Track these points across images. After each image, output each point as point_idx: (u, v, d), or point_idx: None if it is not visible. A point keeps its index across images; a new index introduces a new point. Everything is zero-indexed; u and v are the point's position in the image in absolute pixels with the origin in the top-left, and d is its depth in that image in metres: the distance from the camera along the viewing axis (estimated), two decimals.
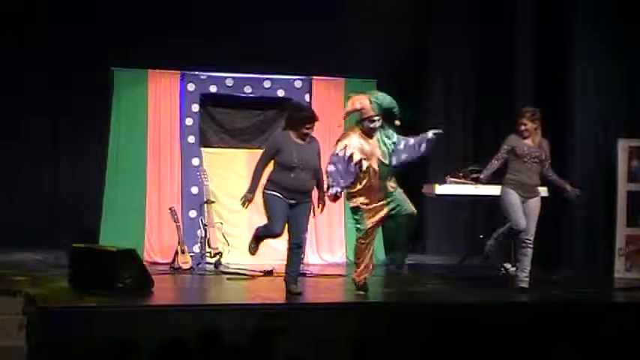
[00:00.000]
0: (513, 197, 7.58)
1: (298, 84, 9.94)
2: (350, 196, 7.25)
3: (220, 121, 9.97)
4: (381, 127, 7.23)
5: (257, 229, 7.25)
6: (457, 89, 10.24)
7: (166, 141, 9.67)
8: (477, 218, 9.78)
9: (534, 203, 7.65)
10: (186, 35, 9.46)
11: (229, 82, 9.83)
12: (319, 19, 9.72)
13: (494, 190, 8.10)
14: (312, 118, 7.10)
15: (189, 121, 9.76)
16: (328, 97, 9.91)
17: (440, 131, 7.28)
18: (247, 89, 9.87)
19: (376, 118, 7.17)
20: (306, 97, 9.93)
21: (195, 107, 9.79)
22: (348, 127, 7.42)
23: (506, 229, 7.67)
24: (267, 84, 9.91)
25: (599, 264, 9.31)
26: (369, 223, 7.20)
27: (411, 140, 7.29)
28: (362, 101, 7.19)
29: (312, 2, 9.72)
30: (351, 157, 7.14)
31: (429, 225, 10.28)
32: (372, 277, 7.60)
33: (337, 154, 7.17)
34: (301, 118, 7.09)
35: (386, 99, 7.22)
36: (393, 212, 7.22)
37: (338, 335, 5.50)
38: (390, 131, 7.28)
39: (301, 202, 7.05)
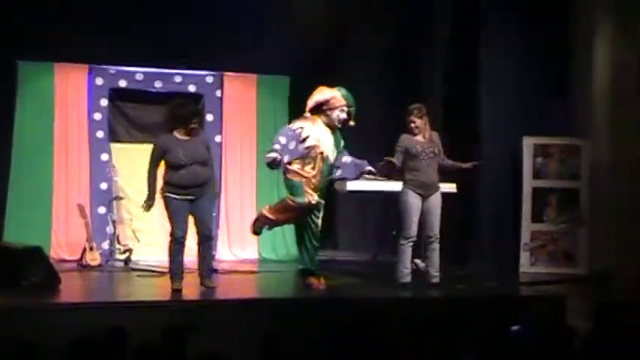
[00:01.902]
0: (410, 200, 7.52)
1: (210, 79, 9.82)
2: (290, 171, 7.20)
3: (130, 116, 9.77)
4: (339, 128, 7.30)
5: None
6: (368, 89, 10.26)
7: (74, 136, 9.43)
8: (388, 214, 9.79)
9: (435, 200, 7.63)
10: (94, 28, 9.19)
11: (139, 77, 9.64)
12: (231, 15, 9.59)
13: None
14: (197, 113, 7.17)
15: (97, 116, 9.54)
16: (240, 93, 9.82)
17: (372, 174, 7.47)
18: (158, 84, 9.69)
19: (346, 108, 7.25)
20: (218, 92, 9.82)
21: (104, 102, 9.58)
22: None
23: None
24: (177, 79, 9.76)
25: (506, 259, 9.42)
26: (307, 198, 7.18)
27: (349, 161, 7.41)
28: (331, 92, 7.28)
29: None
30: (305, 139, 7.15)
31: (340, 221, 10.27)
32: (284, 273, 7.56)
33: (293, 129, 7.21)
34: (187, 114, 7.06)
35: (351, 96, 7.31)
36: (314, 213, 7.26)
37: (250, 331, 5.42)
38: (341, 139, 7.37)
39: (201, 195, 7.00)
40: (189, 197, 6.96)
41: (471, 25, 9.65)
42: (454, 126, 9.36)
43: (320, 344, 4.79)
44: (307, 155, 7.17)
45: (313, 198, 7.19)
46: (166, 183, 7.00)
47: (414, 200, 7.53)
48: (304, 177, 7.18)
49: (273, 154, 7.02)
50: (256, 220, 7.47)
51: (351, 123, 7.37)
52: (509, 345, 4.66)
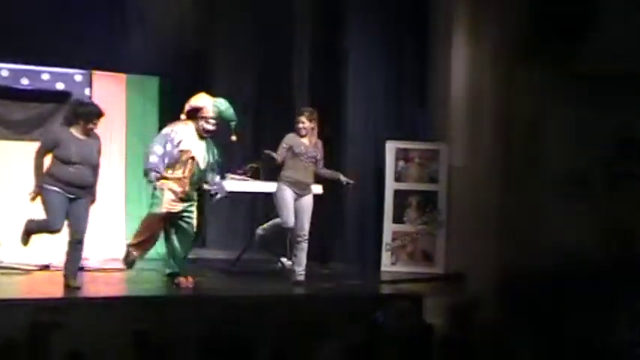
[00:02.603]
0: (287, 194, 7.66)
1: (78, 78, 9.52)
2: (161, 177, 7.12)
3: None
4: (212, 136, 7.29)
5: (31, 222, 6.91)
6: (238, 90, 10.22)
7: None
8: (255, 214, 9.81)
9: (307, 200, 7.77)
10: None
11: (5, 73, 9.24)
12: (100, 13, 9.37)
13: (272, 187, 8.16)
14: (99, 114, 6.97)
15: None
16: (109, 92, 9.56)
17: (224, 194, 7.52)
18: (24, 81, 9.32)
19: (212, 120, 7.17)
20: (87, 91, 9.53)
21: None
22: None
23: (275, 223, 7.79)
24: (45, 76, 9.42)
25: (368, 258, 9.58)
26: (165, 207, 7.11)
27: (217, 179, 7.45)
28: (205, 101, 7.21)
29: None
30: (179, 142, 7.09)
31: (209, 220, 10.18)
32: (153, 271, 7.46)
33: (167, 134, 7.13)
34: (88, 113, 6.94)
35: (228, 110, 7.26)
36: (183, 218, 7.21)
37: (117, 329, 5.32)
38: (217, 152, 7.37)
39: (81, 197, 6.87)
40: (70, 196, 6.80)
41: (338, 32, 9.73)
42: (322, 129, 9.41)
43: (187, 341, 4.73)
44: (179, 159, 7.10)
45: (174, 207, 7.12)
46: (50, 175, 6.80)
47: (289, 195, 7.64)
48: (172, 180, 7.10)
49: (153, 174, 7.02)
50: (126, 256, 7.34)
51: (233, 138, 7.38)
52: (371, 341, 4.71)
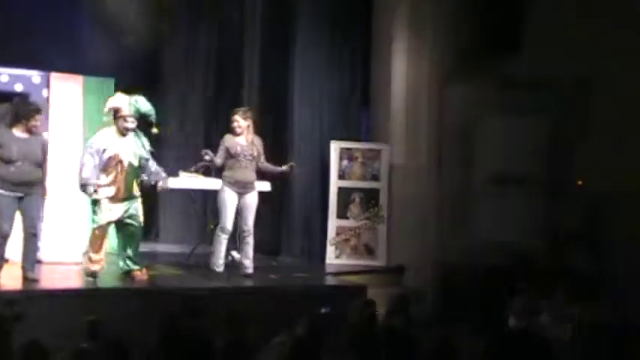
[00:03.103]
0: (227, 196, 7.58)
1: (36, 79, 9.34)
2: (96, 186, 7.04)
3: None
4: (137, 130, 7.18)
5: None
6: (192, 89, 10.16)
7: None
8: (207, 209, 9.75)
9: (250, 198, 7.70)
10: None
11: None
12: (57, 15, 9.21)
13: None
14: (38, 110, 6.94)
15: None
16: (66, 94, 9.40)
17: (167, 188, 7.43)
18: None
19: (130, 118, 7.09)
20: (45, 92, 9.37)
21: None
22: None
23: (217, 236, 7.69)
24: (4, 78, 9.22)
25: (314, 252, 9.63)
26: (106, 217, 7.07)
27: (153, 168, 7.31)
28: (121, 101, 7.14)
29: None
30: (104, 150, 7.01)
31: (162, 215, 10.11)
32: (108, 264, 7.36)
33: (91, 145, 7.06)
34: (29, 111, 6.89)
35: (144, 105, 7.18)
36: (127, 217, 7.14)
37: (75, 321, 5.25)
38: (147, 142, 7.24)
39: (29, 193, 6.82)
40: (18, 194, 6.76)
41: (285, 35, 9.73)
42: (269, 130, 9.43)
43: (143, 332, 4.70)
44: (109, 165, 7.06)
45: (114, 215, 7.07)
46: None
47: (230, 196, 7.58)
48: (108, 185, 7.06)
49: (89, 187, 6.97)
50: (88, 271, 7.24)
51: (154, 130, 7.31)
52: (320, 332, 4.72)
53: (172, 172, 8.74)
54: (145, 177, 7.35)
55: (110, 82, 9.28)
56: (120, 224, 7.20)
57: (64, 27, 9.26)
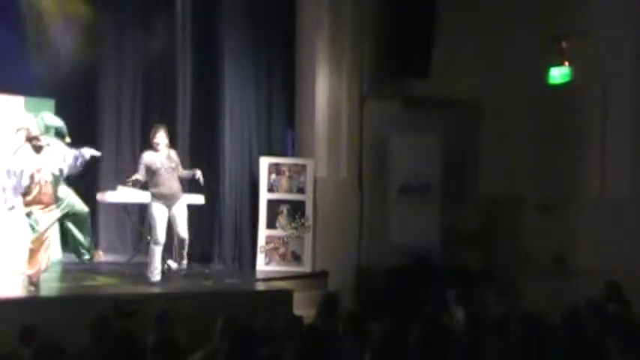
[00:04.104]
0: (157, 210, 7.40)
1: None
2: (25, 204, 6.87)
3: None
4: (50, 141, 7.00)
5: None
6: (127, 104, 9.86)
7: None
8: (144, 221, 9.45)
9: (179, 208, 7.53)
10: None
11: None
12: None
13: None
14: None
15: None
16: (7, 115, 8.97)
17: (98, 154, 7.23)
18: None
19: (39, 137, 6.90)
20: None
21: None
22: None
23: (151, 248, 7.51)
24: None
25: (245, 259, 9.50)
26: (42, 225, 6.86)
27: (72, 157, 7.05)
28: (29, 122, 6.97)
29: None
30: (22, 171, 6.78)
31: (101, 227, 9.77)
32: (48, 273, 7.04)
33: (9, 170, 6.82)
34: None
35: (50, 119, 7.11)
36: (66, 213, 6.97)
37: (11, 327, 4.94)
38: (62, 145, 7.07)
39: None
40: None
41: (214, 56, 9.55)
42: (202, 146, 9.23)
43: (80, 337, 4.44)
44: (30, 183, 6.83)
45: (49, 219, 6.85)
46: None
47: (159, 209, 7.41)
48: (34, 202, 6.83)
49: (9, 205, 6.84)
50: (29, 282, 6.94)
51: (67, 139, 7.23)
52: (251, 333, 4.53)
53: (111, 186, 8.46)
54: (71, 170, 7.10)
55: (50, 103, 8.93)
56: (62, 224, 7.04)
57: (4, 48, 8.84)
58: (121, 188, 8.21)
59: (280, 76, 9.81)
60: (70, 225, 7.06)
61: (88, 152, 7.13)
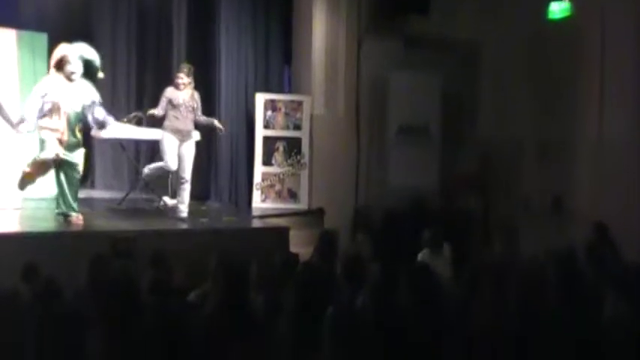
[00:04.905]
0: (170, 142, 7.65)
1: None
2: (40, 127, 6.92)
3: None
4: (84, 78, 7.03)
5: None
6: (122, 43, 9.87)
7: None
8: (140, 157, 9.58)
9: (189, 146, 7.75)
10: None
11: None
12: None
13: (154, 133, 8.11)
14: None
15: None
16: (1, 48, 9.01)
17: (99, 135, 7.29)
18: None
19: (74, 63, 6.94)
20: None
21: None
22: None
23: (159, 166, 7.79)
24: None
25: (241, 197, 9.60)
26: (52, 151, 6.88)
27: (97, 113, 7.11)
28: (65, 49, 6.99)
29: None
30: (45, 95, 6.86)
31: (97, 163, 9.89)
32: (47, 209, 7.20)
33: (35, 90, 6.93)
34: None
35: (87, 51, 7.06)
36: (68, 163, 6.98)
37: (12, 263, 5.12)
38: (93, 89, 7.11)
39: None
40: None
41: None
42: (198, 81, 9.26)
43: (79, 273, 4.60)
44: (50, 110, 6.89)
45: (60, 151, 6.93)
46: None
47: (170, 140, 7.65)
48: (52, 129, 6.89)
49: (21, 126, 6.87)
50: (21, 179, 7.14)
51: (100, 75, 7.22)
52: (244, 272, 4.68)
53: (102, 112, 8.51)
54: (91, 123, 7.21)
55: (43, 37, 8.95)
56: (60, 169, 7.02)
57: None
58: (116, 124, 8.29)
59: (277, 12, 9.73)
60: (62, 176, 7.05)
61: (105, 123, 7.21)
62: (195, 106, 7.74)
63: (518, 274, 4.48)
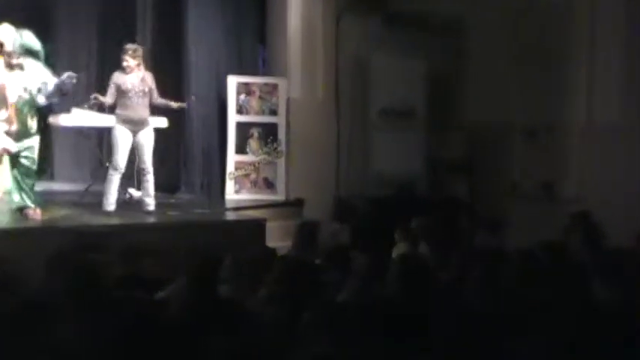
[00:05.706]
0: (120, 134, 7.26)
1: None
2: None
3: None
4: (28, 63, 6.72)
5: None
6: (82, 26, 9.58)
7: None
8: (102, 146, 9.27)
9: (145, 135, 7.38)
10: None
11: None
12: None
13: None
14: None
15: None
16: None
17: (73, 81, 6.87)
18: None
19: (14, 54, 6.63)
20: None
21: None
22: None
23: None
24: None
25: (214, 188, 9.34)
26: (2, 146, 6.64)
27: (53, 84, 6.78)
28: (5, 35, 6.65)
29: None
30: None
31: (56, 153, 9.60)
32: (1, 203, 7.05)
33: None
34: None
35: (30, 40, 6.77)
36: (22, 153, 6.72)
37: None
38: (43, 70, 6.81)
39: None
40: None
41: None
42: (166, 66, 9.00)
43: (37, 271, 4.32)
44: None
45: (9, 144, 6.63)
46: None
47: (123, 134, 7.27)
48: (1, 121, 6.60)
49: None
50: None
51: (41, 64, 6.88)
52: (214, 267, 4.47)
53: (65, 109, 8.24)
54: (50, 98, 6.87)
55: None
56: (14, 160, 6.77)
57: None
58: (76, 110, 7.99)
59: None
60: (17, 167, 6.81)
61: (71, 78, 6.83)
62: (147, 89, 7.29)
63: (505, 261, 4.56)
